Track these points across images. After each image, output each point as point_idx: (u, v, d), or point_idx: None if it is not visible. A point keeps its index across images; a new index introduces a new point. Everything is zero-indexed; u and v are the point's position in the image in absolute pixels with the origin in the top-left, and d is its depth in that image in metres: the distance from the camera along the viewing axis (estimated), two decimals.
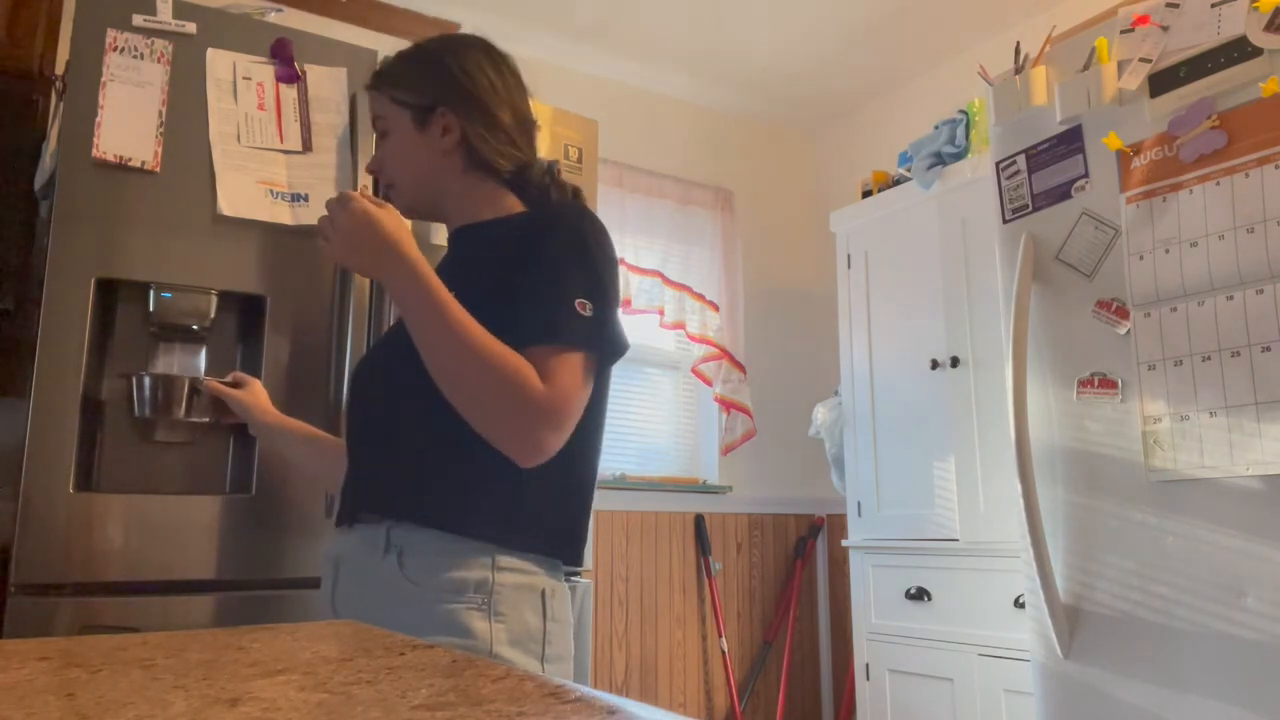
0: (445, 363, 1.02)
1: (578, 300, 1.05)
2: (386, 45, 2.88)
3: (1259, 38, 1.52)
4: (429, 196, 1.22)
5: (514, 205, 1.22)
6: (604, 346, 1.09)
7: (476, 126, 1.20)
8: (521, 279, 1.08)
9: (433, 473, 1.07)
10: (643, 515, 3.20)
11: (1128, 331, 1.65)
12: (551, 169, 1.25)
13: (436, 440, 1.07)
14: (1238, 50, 1.54)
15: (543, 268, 1.08)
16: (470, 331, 1.01)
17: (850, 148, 3.77)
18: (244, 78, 1.66)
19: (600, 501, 3.14)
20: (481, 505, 1.05)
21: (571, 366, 1.04)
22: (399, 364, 1.10)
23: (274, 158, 1.66)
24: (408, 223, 1.13)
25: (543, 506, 1.07)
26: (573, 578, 1.92)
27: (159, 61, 1.59)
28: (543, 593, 1.06)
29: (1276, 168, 1.47)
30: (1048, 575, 1.69)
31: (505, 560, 1.03)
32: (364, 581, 1.08)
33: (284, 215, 1.65)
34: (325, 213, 1.09)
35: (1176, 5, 1.63)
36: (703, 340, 3.38)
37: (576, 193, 1.25)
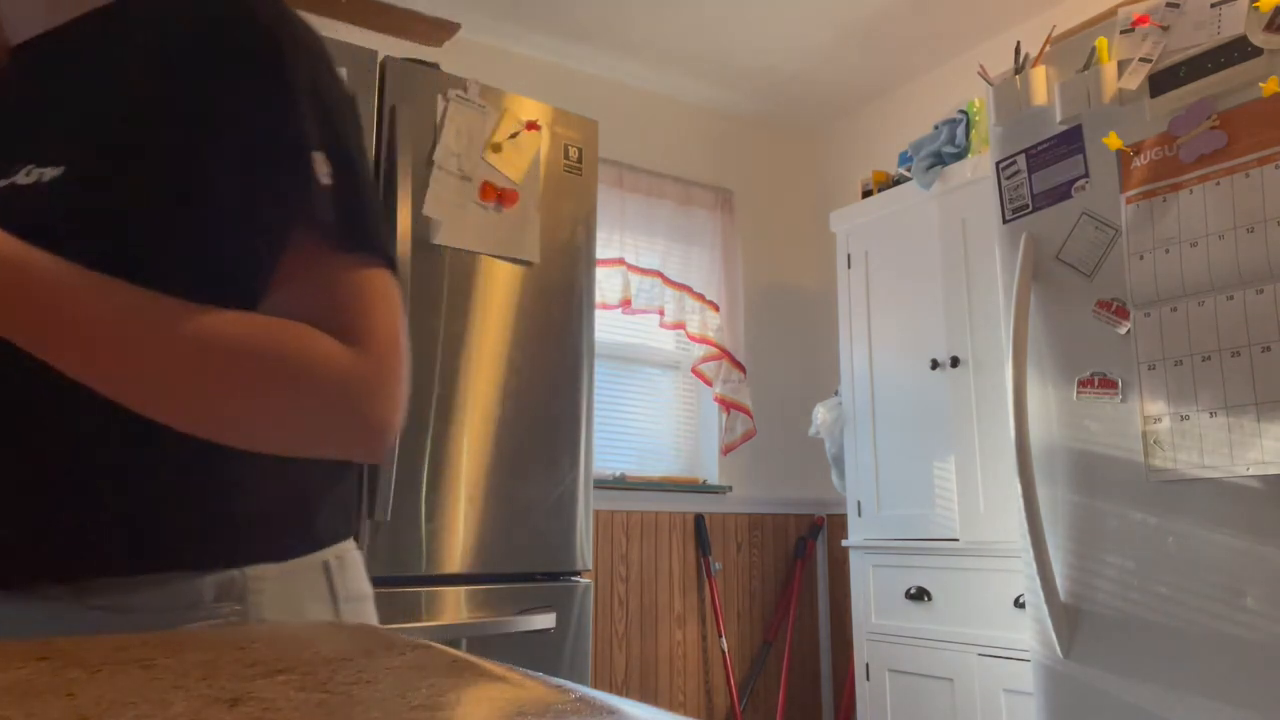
0: (181, 396, 0.59)
1: (315, 157, 0.64)
2: (386, 45, 2.88)
3: (1259, 38, 1.52)
4: None
5: None
6: (377, 243, 0.67)
7: None
8: (203, 134, 0.63)
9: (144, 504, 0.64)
10: (643, 515, 3.20)
11: (1128, 331, 1.65)
12: None
13: (135, 457, 0.63)
14: (1238, 50, 1.54)
15: (241, 111, 0.64)
16: (193, 323, 0.58)
17: (850, 148, 3.77)
18: None
19: (600, 501, 3.16)
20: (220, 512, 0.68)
21: (362, 283, 0.65)
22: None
23: None
24: None
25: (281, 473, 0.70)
26: (574, 578, 1.92)
27: None
28: (326, 566, 0.71)
29: (1276, 168, 1.47)
30: (1048, 575, 1.69)
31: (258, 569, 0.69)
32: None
33: None
34: None
35: (1176, 5, 1.63)
36: (703, 340, 3.38)
37: None
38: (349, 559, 0.75)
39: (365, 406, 0.62)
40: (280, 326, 0.61)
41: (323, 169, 0.64)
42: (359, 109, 0.72)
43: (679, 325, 3.38)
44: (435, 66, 1.94)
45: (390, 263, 0.68)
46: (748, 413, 3.40)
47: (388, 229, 0.71)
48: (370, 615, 0.76)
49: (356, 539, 0.80)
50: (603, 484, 3.05)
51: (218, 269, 0.62)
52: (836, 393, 3.04)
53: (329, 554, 0.73)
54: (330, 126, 0.66)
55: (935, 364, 2.60)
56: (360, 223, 0.66)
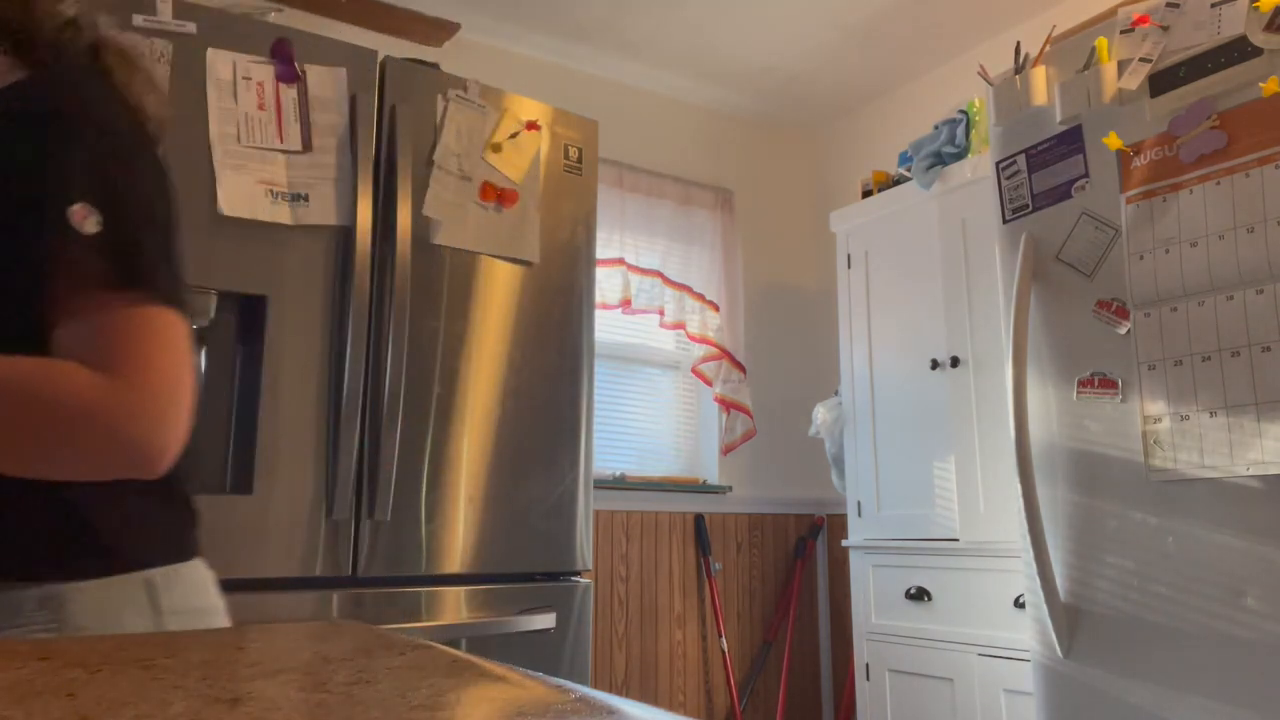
0: None
1: (71, 209, 0.72)
2: (386, 45, 2.88)
3: (1259, 38, 1.52)
4: None
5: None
6: (148, 281, 0.75)
7: None
8: None
9: None
10: (643, 515, 3.20)
11: (1128, 331, 1.65)
12: (82, 23, 0.84)
13: None
14: (1238, 50, 1.54)
15: (20, 173, 0.74)
16: None
17: (850, 148, 3.77)
18: (244, 78, 1.66)
19: (600, 501, 3.16)
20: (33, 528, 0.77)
21: (131, 319, 0.73)
22: None
23: (274, 157, 1.66)
24: None
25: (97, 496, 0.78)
26: (574, 578, 1.92)
27: (159, 61, 1.59)
28: (148, 583, 0.79)
29: (1276, 168, 1.47)
30: (1048, 575, 1.69)
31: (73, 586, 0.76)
32: None
33: (284, 215, 1.65)
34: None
35: (1176, 5, 1.63)
36: (703, 340, 3.38)
37: (97, 49, 0.84)
38: (180, 576, 0.82)
39: (125, 430, 0.70)
40: (30, 364, 0.69)
41: (88, 220, 0.72)
42: (160, 163, 0.82)
43: (679, 325, 3.38)
44: (435, 66, 1.94)
45: (169, 300, 0.76)
46: (748, 413, 3.40)
47: (172, 271, 0.80)
48: (210, 625, 0.84)
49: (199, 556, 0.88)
50: (603, 484, 3.05)
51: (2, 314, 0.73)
52: (836, 393, 3.04)
53: (154, 573, 0.80)
54: (106, 182, 0.74)
55: (935, 364, 2.60)
56: (133, 266, 0.74)
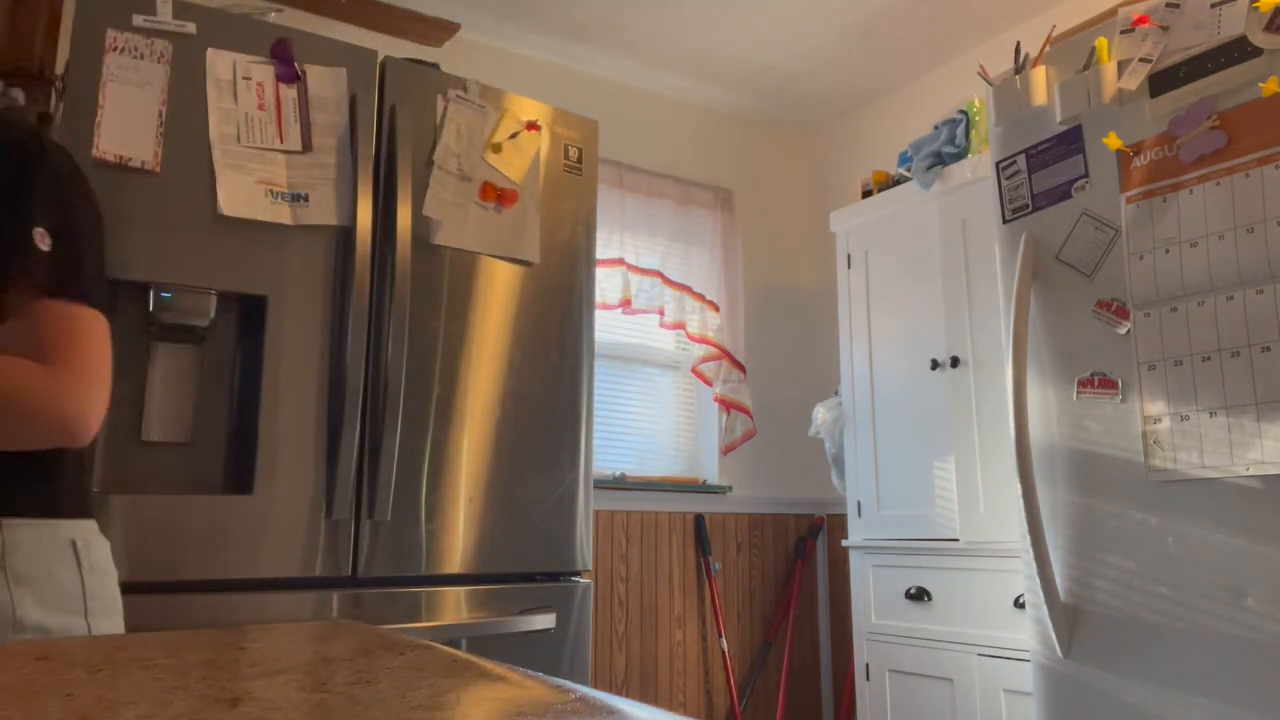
0: None
1: (35, 230, 0.93)
2: (386, 45, 2.88)
3: (1259, 38, 1.52)
4: None
5: None
6: (83, 290, 0.96)
7: None
8: None
9: None
10: (643, 515, 3.20)
11: (1128, 331, 1.65)
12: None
13: None
14: (1238, 50, 1.54)
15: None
16: None
17: (850, 148, 3.77)
18: (244, 78, 1.66)
19: (600, 501, 3.16)
20: None
21: (65, 318, 0.93)
22: None
23: (274, 158, 1.66)
24: None
25: (39, 461, 0.98)
26: (574, 578, 1.92)
27: (159, 61, 1.59)
28: (73, 544, 0.98)
29: (1276, 168, 1.47)
30: (1048, 575, 1.69)
31: (10, 522, 0.93)
32: None
33: (284, 215, 1.65)
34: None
35: (1176, 5, 1.63)
36: (703, 340, 3.38)
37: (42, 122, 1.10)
38: (94, 536, 1.02)
39: (56, 405, 0.89)
40: None
41: (43, 239, 0.93)
42: (95, 199, 1.04)
43: (679, 325, 3.38)
44: (435, 66, 1.94)
45: (96, 304, 0.97)
46: (748, 413, 3.40)
47: (101, 282, 1.01)
48: (115, 584, 1.04)
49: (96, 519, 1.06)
50: (603, 484, 3.05)
51: None
52: (836, 393, 3.04)
53: (74, 531, 0.99)
54: (60, 211, 0.96)
55: (935, 364, 2.60)
56: (72, 277, 0.95)
